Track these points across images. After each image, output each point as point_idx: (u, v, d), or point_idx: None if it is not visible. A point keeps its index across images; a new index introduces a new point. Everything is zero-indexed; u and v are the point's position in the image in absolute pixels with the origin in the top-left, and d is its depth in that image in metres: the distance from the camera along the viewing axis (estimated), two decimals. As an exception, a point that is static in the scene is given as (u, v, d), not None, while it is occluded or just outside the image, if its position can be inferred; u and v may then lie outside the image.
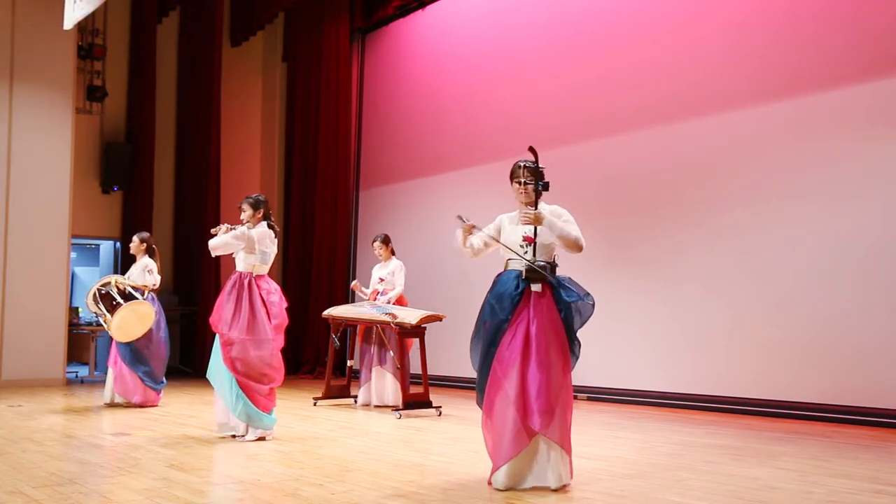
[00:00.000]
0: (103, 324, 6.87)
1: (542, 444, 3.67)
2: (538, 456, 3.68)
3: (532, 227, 3.77)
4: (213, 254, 5.33)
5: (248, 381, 5.07)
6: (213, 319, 5.22)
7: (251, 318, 5.11)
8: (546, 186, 3.83)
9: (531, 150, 3.78)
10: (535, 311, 3.71)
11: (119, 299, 6.81)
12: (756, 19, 7.06)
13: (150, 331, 7.00)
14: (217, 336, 5.19)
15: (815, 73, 6.64)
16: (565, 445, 3.65)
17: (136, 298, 6.87)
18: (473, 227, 3.95)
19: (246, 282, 5.20)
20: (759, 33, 7.01)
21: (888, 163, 6.17)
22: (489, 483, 3.75)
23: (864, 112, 6.36)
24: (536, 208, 3.78)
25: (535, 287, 3.75)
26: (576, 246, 3.78)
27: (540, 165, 3.81)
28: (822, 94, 6.58)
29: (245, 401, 5.05)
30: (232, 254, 5.34)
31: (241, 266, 5.28)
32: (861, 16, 6.41)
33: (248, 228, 5.29)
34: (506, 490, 3.63)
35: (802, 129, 6.69)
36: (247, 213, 5.34)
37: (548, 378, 3.62)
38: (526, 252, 3.81)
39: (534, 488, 3.65)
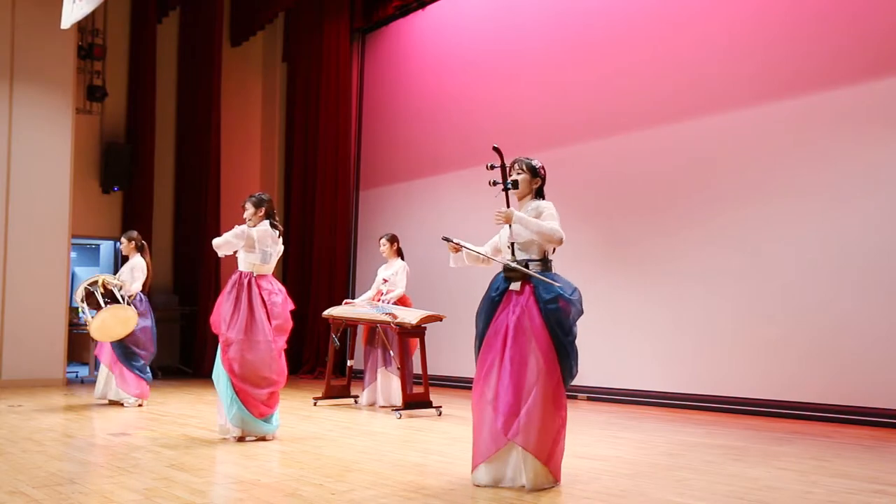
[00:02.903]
0: (85, 323, 6.92)
1: (513, 448, 3.65)
2: (512, 457, 3.67)
3: (509, 227, 3.80)
4: (219, 253, 5.29)
5: (245, 384, 4.98)
6: (213, 319, 5.18)
7: (249, 318, 5.05)
8: (515, 184, 3.87)
9: (496, 149, 3.81)
10: (514, 310, 3.72)
11: (100, 300, 6.84)
12: (756, 19, 7.06)
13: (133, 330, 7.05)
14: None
15: (815, 73, 6.64)
16: (535, 450, 3.57)
17: (118, 299, 6.89)
18: (458, 246, 4.00)
19: (246, 281, 5.14)
20: (759, 33, 7.01)
21: (889, 163, 6.17)
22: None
23: (865, 112, 6.36)
24: (508, 207, 3.80)
25: (514, 286, 3.77)
26: (553, 239, 3.74)
27: (529, 161, 3.89)
28: (823, 94, 6.58)
29: (239, 405, 4.99)
30: (234, 253, 5.31)
31: (241, 265, 5.23)
32: (861, 16, 6.41)
33: (249, 227, 5.27)
34: (486, 487, 3.66)
35: (803, 129, 6.69)
36: (248, 211, 5.29)
37: (517, 380, 3.60)
38: (512, 252, 3.83)
39: (532, 489, 3.64)
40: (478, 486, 3.69)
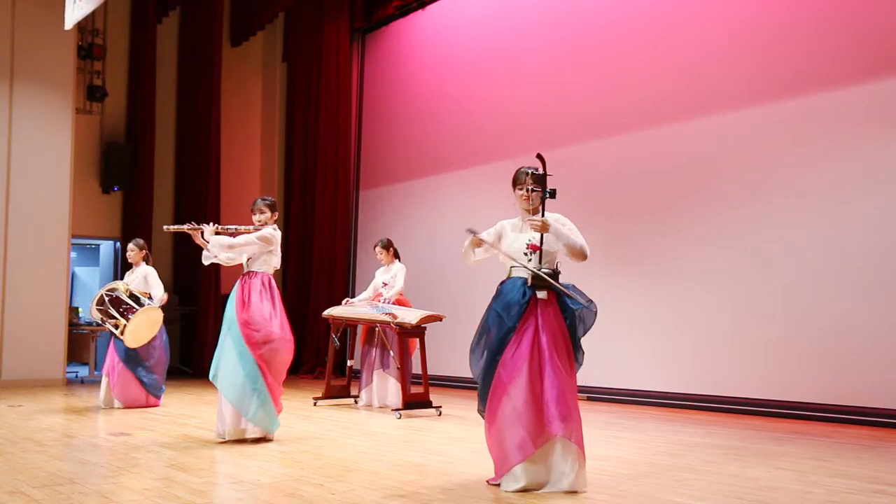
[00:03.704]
0: (111, 328, 6.77)
1: (558, 449, 3.61)
2: (554, 462, 3.63)
3: (539, 235, 3.76)
4: (221, 255, 5.21)
5: (273, 381, 5.08)
6: (247, 319, 5.05)
7: (282, 317, 5.16)
8: (553, 194, 3.79)
9: (539, 157, 3.75)
10: (543, 318, 3.72)
11: (131, 303, 6.75)
12: (756, 19, 7.06)
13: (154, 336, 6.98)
14: (230, 338, 5.05)
15: (815, 73, 6.64)
16: (583, 450, 3.65)
17: (146, 303, 6.83)
18: (482, 241, 3.93)
19: (273, 283, 5.24)
20: (759, 33, 7.01)
21: (889, 163, 6.17)
22: (488, 482, 3.76)
23: (864, 112, 6.36)
24: (543, 216, 3.77)
25: (541, 294, 3.75)
26: (581, 254, 3.81)
27: (535, 170, 3.80)
28: (823, 94, 6.58)
29: (271, 405, 5.05)
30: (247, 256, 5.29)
31: (262, 267, 5.24)
32: (861, 16, 6.41)
33: (273, 230, 5.28)
34: (518, 492, 3.58)
35: (803, 129, 6.69)
36: (265, 214, 5.30)
37: (563, 384, 3.63)
38: (530, 260, 3.79)
39: (535, 489, 3.63)
40: (508, 491, 3.60)
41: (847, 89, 6.44)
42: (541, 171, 3.78)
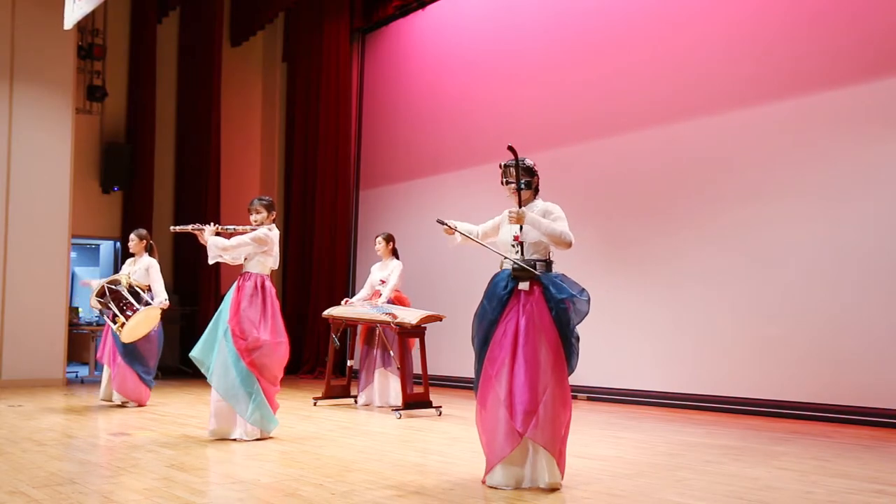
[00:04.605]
0: (109, 322, 6.81)
1: (529, 444, 3.66)
2: (529, 456, 3.68)
3: (519, 226, 3.81)
4: (225, 256, 5.21)
5: (268, 384, 5.12)
6: (236, 326, 5.05)
7: (274, 320, 5.16)
8: (528, 184, 3.90)
9: (510, 149, 3.83)
10: (524, 309, 3.72)
11: (131, 299, 6.75)
12: (756, 19, 7.06)
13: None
14: (225, 342, 5.06)
15: (814, 73, 6.64)
16: (550, 446, 3.61)
17: (147, 300, 6.83)
18: (454, 229, 4.04)
19: (268, 285, 5.24)
20: (759, 33, 7.01)
21: (888, 163, 6.17)
22: (483, 482, 3.77)
23: (864, 112, 6.36)
24: (521, 207, 3.81)
25: (523, 285, 3.77)
26: (562, 242, 3.79)
27: (523, 160, 3.88)
28: (822, 94, 6.58)
29: (267, 406, 5.11)
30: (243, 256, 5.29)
31: (256, 268, 5.24)
32: (861, 16, 6.42)
33: (269, 231, 5.28)
34: (503, 489, 3.63)
35: (802, 129, 6.69)
36: (262, 214, 5.30)
37: (532, 377, 3.61)
38: (516, 251, 3.83)
39: (532, 488, 3.65)
40: (496, 488, 3.64)
41: (847, 89, 6.44)
42: (517, 163, 3.86)
